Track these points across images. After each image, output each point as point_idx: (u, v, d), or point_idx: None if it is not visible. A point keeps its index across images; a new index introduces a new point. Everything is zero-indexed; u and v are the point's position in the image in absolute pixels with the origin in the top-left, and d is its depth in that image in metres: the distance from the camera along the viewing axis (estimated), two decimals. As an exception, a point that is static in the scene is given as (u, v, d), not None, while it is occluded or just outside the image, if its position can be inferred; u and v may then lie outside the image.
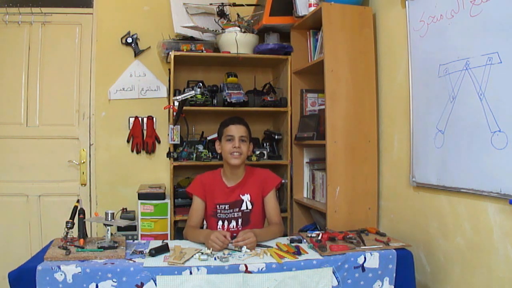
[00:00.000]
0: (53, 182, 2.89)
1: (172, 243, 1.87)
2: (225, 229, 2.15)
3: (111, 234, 1.82)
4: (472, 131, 1.70)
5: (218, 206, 2.17)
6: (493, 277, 1.64)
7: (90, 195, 2.92)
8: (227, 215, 2.17)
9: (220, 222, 2.17)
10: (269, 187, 2.21)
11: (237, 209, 2.17)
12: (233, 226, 2.17)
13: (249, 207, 2.18)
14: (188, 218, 2.19)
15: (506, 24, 1.53)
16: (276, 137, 2.90)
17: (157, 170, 2.97)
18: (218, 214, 2.17)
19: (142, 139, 2.95)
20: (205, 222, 2.25)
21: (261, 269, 1.65)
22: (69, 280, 1.58)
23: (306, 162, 2.82)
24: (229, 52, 2.71)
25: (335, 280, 1.72)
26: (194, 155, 2.70)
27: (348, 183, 2.33)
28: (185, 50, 2.65)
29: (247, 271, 1.64)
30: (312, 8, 2.48)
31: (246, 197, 2.18)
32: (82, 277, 1.58)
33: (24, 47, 2.87)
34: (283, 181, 2.83)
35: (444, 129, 1.86)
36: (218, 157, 2.70)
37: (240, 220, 2.18)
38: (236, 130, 2.15)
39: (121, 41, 2.93)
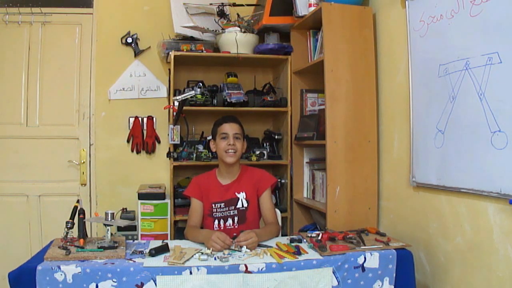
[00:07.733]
0: (53, 182, 2.89)
1: (172, 243, 1.86)
2: (222, 228, 2.15)
3: (111, 234, 1.82)
4: (472, 131, 1.70)
5: (214, 205, 2.17)
6: (493, 277, 1.64)
7: (90, 195, 2.92)
8: (223, 214, 2.17)
9: (216, 221, 2.17)
10: (263, 186, 2.21)
11: (233, 207, 2.18)
12: (230, 225, 2.17)
13: (245, 205, 2.18)
14: (188, 219, 2.19)
15: (506, 24, 1.53)
16: (276, 137, 2.90)
17: (157, 170, 2.97)
18: (214, 213, 2.17)
19: (142, 139, 2.95)
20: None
21: (261, 269, 1.65)
22: (69, 280, 1.58)
23: (306, 162, 2.82)
24: (229, 52, 2.71)
25: (335, 280, 1.72)
26: (194, 155, 2.70)
27: (348, 183, 2.33)
28: (185, 50, 2.65)
29: (247, 271, 1.64)
30: (312, 8, 2.48)
31: (241, 195, 2.18)
32: (82, 277, 1.58)
33: (24, 47, 2.87)
34: (282, 181, 2.84)
35: (444, 129, 1.86)
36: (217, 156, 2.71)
37: (236, 218, 2.18)
38: (230, 128, 2.16)
39: (121, 41, 2.93)
